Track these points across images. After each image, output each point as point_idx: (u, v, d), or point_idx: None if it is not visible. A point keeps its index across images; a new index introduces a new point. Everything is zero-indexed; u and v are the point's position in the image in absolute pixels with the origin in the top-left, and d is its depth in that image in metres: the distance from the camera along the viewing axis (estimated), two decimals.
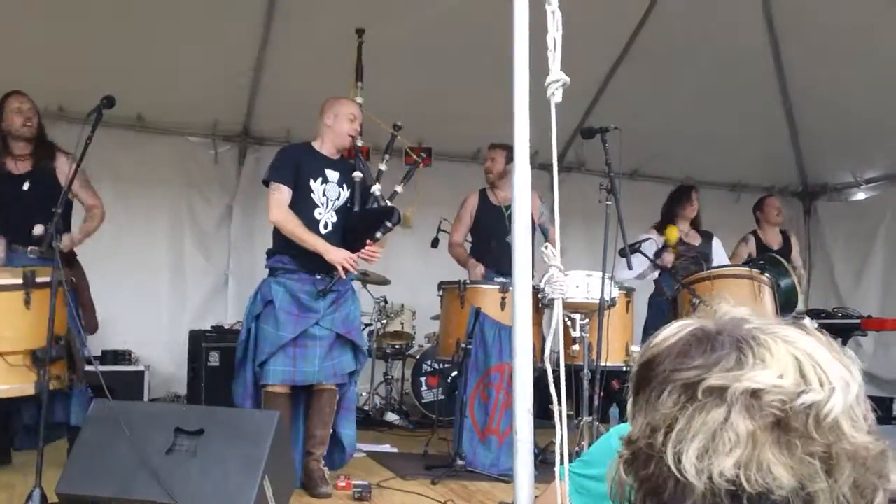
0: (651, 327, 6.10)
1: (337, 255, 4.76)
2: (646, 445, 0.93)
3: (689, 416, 0.89)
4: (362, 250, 4.81)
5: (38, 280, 4.33)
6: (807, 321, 0.95)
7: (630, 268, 5.24)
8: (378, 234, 4.81)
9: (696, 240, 6.71)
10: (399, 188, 5.08)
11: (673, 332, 0.99)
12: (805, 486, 0.86)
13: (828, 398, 0.88)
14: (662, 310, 6.30)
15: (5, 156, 5.14)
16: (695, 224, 6.81)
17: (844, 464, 0.87)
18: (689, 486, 0.87)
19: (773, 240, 7.35)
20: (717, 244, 6.85)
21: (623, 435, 1.00)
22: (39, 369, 4.13)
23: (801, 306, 6.74)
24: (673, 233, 6.43)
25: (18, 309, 4.28)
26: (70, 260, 5.14)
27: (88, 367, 4.66)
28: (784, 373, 0.89)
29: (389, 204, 4.92)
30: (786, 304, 6.36)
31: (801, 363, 0.90)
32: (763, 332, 0.94)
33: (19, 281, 4.30)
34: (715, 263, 6.63)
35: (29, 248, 4.92)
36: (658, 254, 6.34)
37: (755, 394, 0.87)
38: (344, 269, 4.75)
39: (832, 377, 0.90)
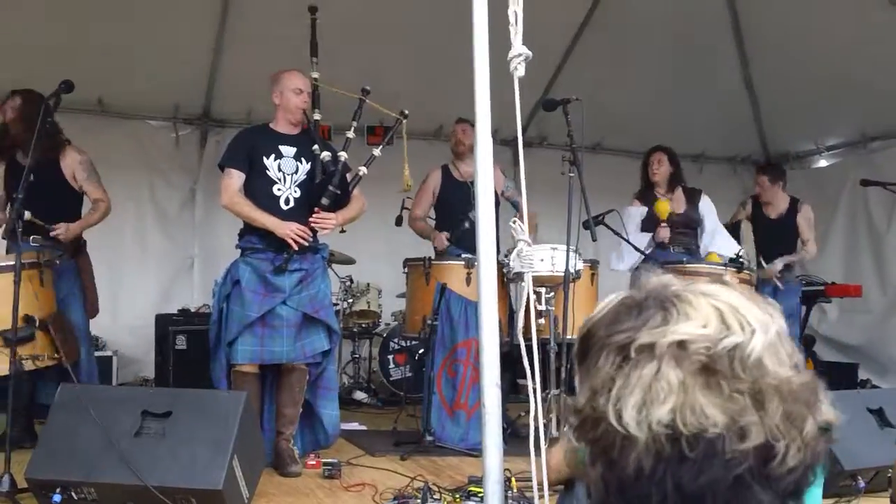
0: None
1: (285, 229, 4.76)
2: (590, 409, 1.00)
3: (626, 374, 0.97)
4: (311, 218, 4.81)
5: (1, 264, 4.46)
6: (727, 277, 1.09)
7: (594, 238, 5.21)
8: (324, 201, 4.81)
9: (681, 205, 6.48)
10: (377, 151, 5.04)
11: (605, 304, 1.08)
12: (737, 420, 0.93)
13: (749, 339, 0.96)
14: None
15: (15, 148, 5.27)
16: (674, 185, 6.56)
17: (772, 396, 0.95)
18: (631, 439, 0.95)
19: (773, 210, 7.31)
20: (705, 204, 6.59)
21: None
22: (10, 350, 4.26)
23: None
24: (664, 206, 6.25)
25: None
26: (78, 247, 5.41)
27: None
28: (707, 322, 0.97)
29: (340, 161, 4.90)
30: None
31: (722, 312, 0.98)
32: (685, 290, 1.02)
33: None
34: (706, 226, 6.51)
35: (31, 237, 5.02)
36: (646, 226, 6.31)
37: (681, 345, 0.96)
38: (297, 242, 4.75)
39: (752, 320, 0.98)
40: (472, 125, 5.95)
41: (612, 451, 0.97)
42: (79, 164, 5.35)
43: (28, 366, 4.41)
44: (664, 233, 6.24)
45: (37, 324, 4.41)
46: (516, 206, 6.14)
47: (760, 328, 0.98)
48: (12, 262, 4.34)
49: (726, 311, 0.99)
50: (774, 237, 7.16)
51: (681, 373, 0.94)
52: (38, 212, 4.87)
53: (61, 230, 5.11)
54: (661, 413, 0.93)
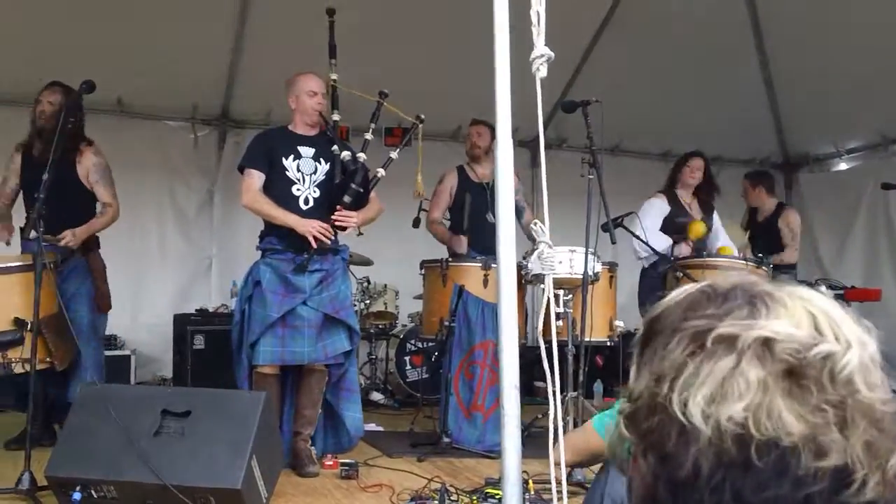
0: (646, 299, 6.10)
1: (306, 226, 4.77)
2: (649, 396, 0.90)
3: (698, 363, 0.86)
4: (333, 216, 4.83)
5: None
6: (822, 289, 0.86)
7: (614, 241, 5.20)
8: (346, 199, 4.83)
9: (697, 214, 6.54)
10: (394, 154, 5.11)
11: (682, 290, 0.97)
12: (817, 435, 0.83)
13: (844, 352, 0.85)
14: (655, 283, 6.18)
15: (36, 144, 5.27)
16: (699, 195, 6.64)
17: (859, 421, 0.85)
18: (693, 433, 0.84)
19: (762, 214, 7.43)
20: (716, 220, 6.69)
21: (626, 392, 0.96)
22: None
23: None
24: (699, 229, 6.23)
25: None
26: (90, 244, 5.36)
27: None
28: (799, 324, 0.87)
29: (359, 161, 4.94)
30: None
31: (816, 318, 0.88)
32: (777, 289, 0.92)
33: None
34: (717, 240, 6.57)
35: (43, 236, 5.00)
36: (666, 227, 6.31)
37: (767, 342, 0.85)
38: (318, 240, 4.76)
39: (848, 333, 0.88)
40: (488, 126, 6.03)
41: (666, 443, 0.86)
42: (93, 165, 5.34)
43: (17, 368, 4.42)
44: (685, 250, 6.22)
45: (28, 327, 4.35)
46: (520, 214, 6.14)
47: (857, 343, 0.87)
48: (11, 264, 4.42)
49: (821, 317, 0.88)
50: (761, 240, 7.21)
51: (762, 372, 0.84)
52: (51, 209, 4.80)
53: (68, 237, 5.07)
54: (733, 410, 0.83)
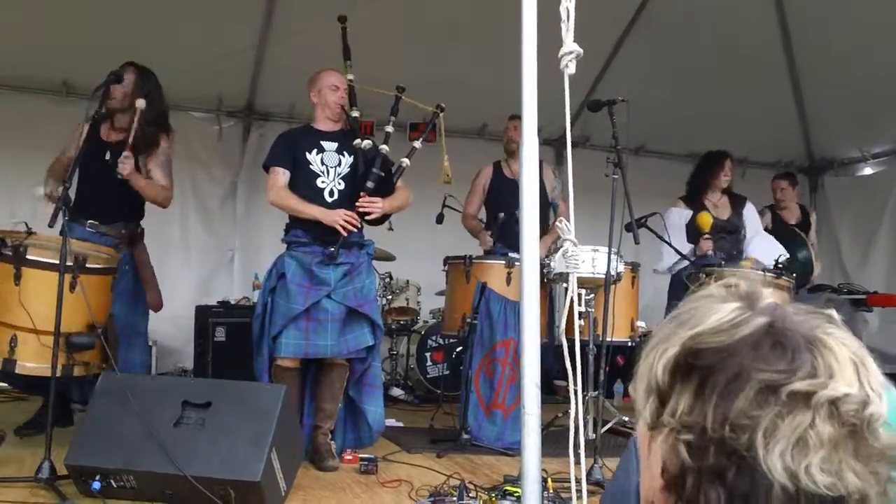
0: (675, 299, 6.07)
1: (332, 215, 4.79)
2: (718, 438, 0.92)
3: (776, 415, 0.90)
4: (357, 203, 4.84)
5: (89, 266, 4.39)
6: (834, 313, 0.90)
7: (637, 241, 5.18)
8: (368, 184, 4.85)
9: (725, 211, 6.52)
10: (417, 144, 5.17)
11: (734, 319, 0.97)
12: (868, 493, 0.90)
13: (878, 406, 0.92)
14: (685, 285, 6.13)
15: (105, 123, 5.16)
16: (726, 189, 6.63)
17: (884, 466, 0.91)
18: (769, 481, 0.89)
19: (791, 215, 7.42)
20: (749, 211, 6.66)
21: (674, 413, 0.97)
22: (69, 353, 4.25)
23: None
24: (706, 220, 6.21)
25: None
26: (134, 237, 5.28)
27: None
28: (850, 381, 0.92)
29: (379, 148, 4.96)
30: (802, 276, 6.36)
31: (858, 369, 0.93)
32: (821, 330, 0.95)
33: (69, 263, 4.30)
34: (748, 232, 6.52)
35: (88, 222, 4.99)
36: (688, 234, 6.29)
37: (835, 402, 0.90)
38: (345, 228, 4.77)
39: (875, 382, 0.94)
40: None
41: (739, 485, 0.91)
42: (158, 147, 5.20)
43: (77, 371, 4.37)
44: (707, 245, 6.21)
45: (98, 332, 4.31)
46: (555, 209, 6.14)
47: (885, 392, 0.94)
48: (99, 266, 4.38)
49: (861, 368, 0.94)
50: (794, 241, 7.10)
51: (834, 431, 0.89)
52: (103, 189, 4.83)
53: (128, 165, 4.85)
54: (810, 461, 0.88)
